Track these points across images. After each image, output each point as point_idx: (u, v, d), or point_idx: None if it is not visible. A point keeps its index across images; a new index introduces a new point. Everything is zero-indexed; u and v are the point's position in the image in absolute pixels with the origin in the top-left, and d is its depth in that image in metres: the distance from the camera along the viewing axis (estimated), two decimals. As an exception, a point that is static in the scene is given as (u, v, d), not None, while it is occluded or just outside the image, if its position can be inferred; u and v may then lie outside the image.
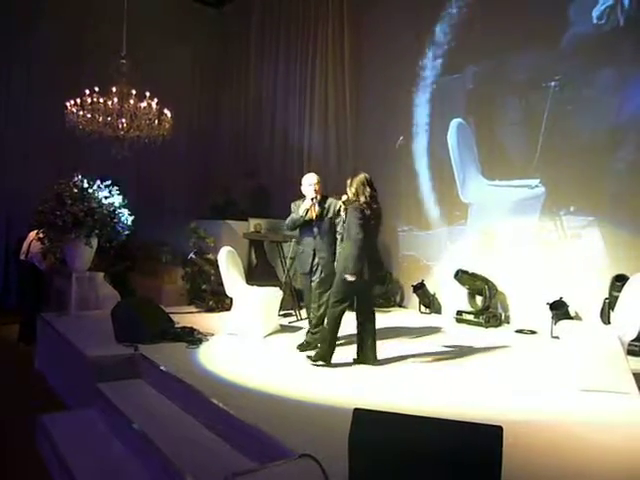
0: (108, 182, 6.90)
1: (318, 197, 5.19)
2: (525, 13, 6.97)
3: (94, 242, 6.74)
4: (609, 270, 5.94)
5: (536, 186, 6.88)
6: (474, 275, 7.05)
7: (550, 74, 6.78)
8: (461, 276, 7.07)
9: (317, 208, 5.18)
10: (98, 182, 6.83)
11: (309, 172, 5.53)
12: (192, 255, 7.72)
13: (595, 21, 6.44)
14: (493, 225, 7.34)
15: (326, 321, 4.78)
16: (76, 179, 6.74)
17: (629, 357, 4.11)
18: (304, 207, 5.18)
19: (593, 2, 6.43)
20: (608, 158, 6.23)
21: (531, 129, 6.97)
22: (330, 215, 5.20)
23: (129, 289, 8.07)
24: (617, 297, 5.12)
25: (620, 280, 5.37)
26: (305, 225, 5.27)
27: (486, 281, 7.00)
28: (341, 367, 4.59)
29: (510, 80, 7.27)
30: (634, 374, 3.98)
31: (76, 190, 6.62)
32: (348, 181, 4.69)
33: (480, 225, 7.51)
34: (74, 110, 8.31)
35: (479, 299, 7.08)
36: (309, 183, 5.26)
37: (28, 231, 7.35)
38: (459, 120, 7.90)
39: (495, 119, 7.49)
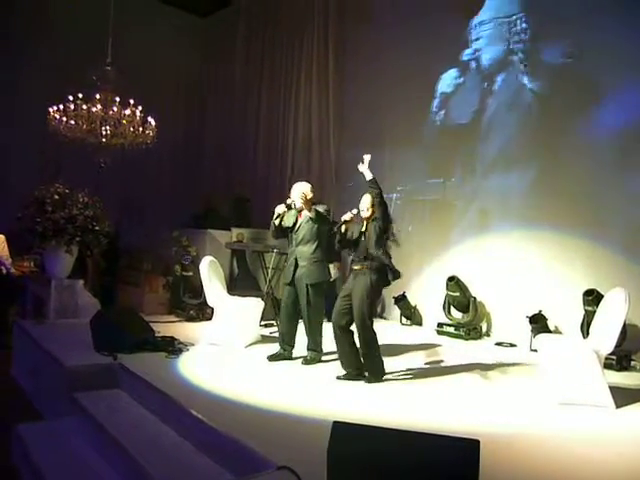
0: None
1: (296, 205, 5.12)
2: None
3: (74, 249, 6.68)
4: (587, 284, 6.02)
5: None
6: (464, 287, 7.01)
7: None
8: (455, 282, 6.94)
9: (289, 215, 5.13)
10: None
11: (301, 182, 5.38)
12: (187, 262, 7.64)
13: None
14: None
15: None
16: (57, 185, 6.68)
17: (605, 371, 4.16)
18: (277, 212, 5.16)
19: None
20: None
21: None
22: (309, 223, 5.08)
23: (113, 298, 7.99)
24: (590, 311, 5.29)
25: (589, 295, 5.58)
26: (288, 233, 5.23)
27: (472, 296, 7.02)
28: (321, 380, 4.60)
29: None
30: (610, 387, 4.02)
31: (57, 196, 6.56)
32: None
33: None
34: (57, 116, 8.24)
35: (456, 312, 7.11)
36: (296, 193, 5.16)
37: None
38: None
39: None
